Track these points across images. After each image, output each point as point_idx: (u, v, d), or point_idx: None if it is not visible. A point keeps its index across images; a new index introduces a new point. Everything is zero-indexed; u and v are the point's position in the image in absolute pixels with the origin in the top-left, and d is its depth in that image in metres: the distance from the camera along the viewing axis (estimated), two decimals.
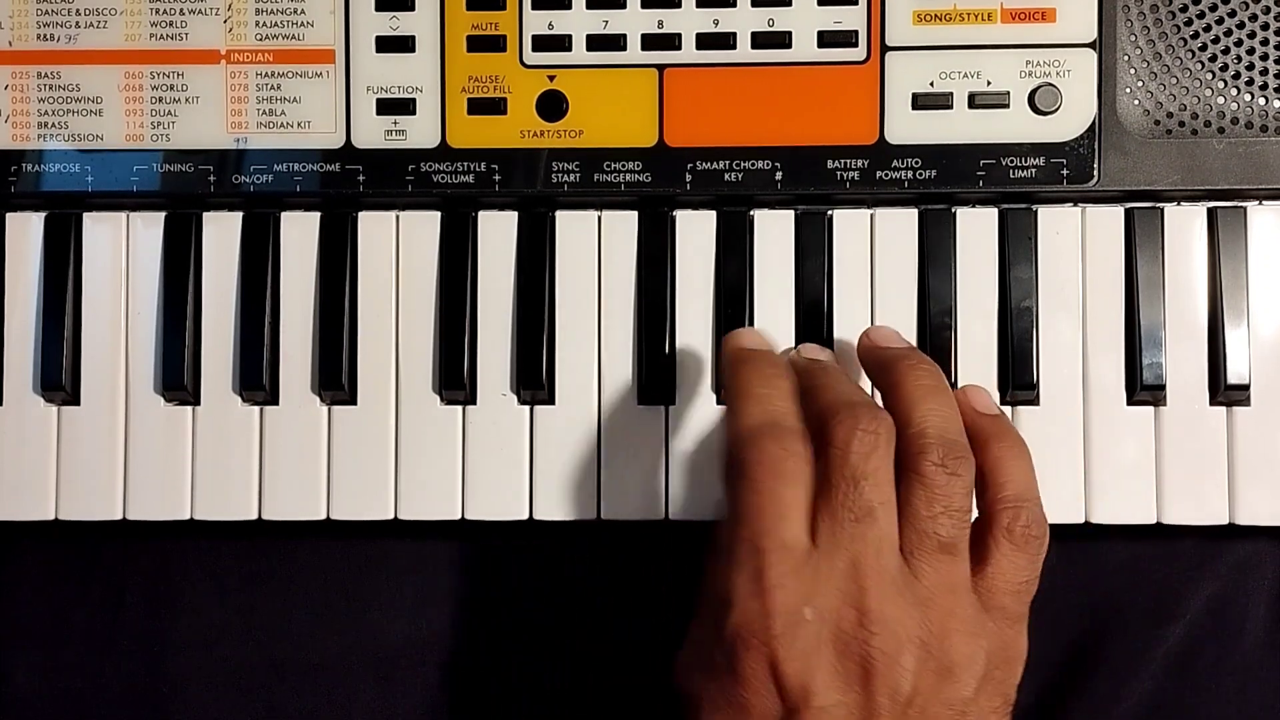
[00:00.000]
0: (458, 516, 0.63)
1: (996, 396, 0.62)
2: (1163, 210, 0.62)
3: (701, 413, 0.62)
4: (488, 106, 0.62)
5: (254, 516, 0.63)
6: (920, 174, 0.62)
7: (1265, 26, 0.61)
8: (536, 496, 0.62)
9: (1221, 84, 0.61)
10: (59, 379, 0.63)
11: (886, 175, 0.62)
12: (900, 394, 0.55)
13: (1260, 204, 0.62)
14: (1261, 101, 0.61)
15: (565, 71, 0.62)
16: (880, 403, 0.56)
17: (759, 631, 0.51)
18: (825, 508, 0.52)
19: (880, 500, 0.52)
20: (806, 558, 0.52)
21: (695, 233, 0.63)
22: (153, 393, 0.64)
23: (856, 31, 0.62)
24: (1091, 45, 0.62)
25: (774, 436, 0.53)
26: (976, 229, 0.62)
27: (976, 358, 0.62)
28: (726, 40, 0.62)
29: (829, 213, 0.63)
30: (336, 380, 0.63)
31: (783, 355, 0.60)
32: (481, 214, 0.63)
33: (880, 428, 0.53)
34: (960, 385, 0.61)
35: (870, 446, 0.53)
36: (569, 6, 0.62)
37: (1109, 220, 0.62)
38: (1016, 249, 0.62)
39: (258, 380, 0.63)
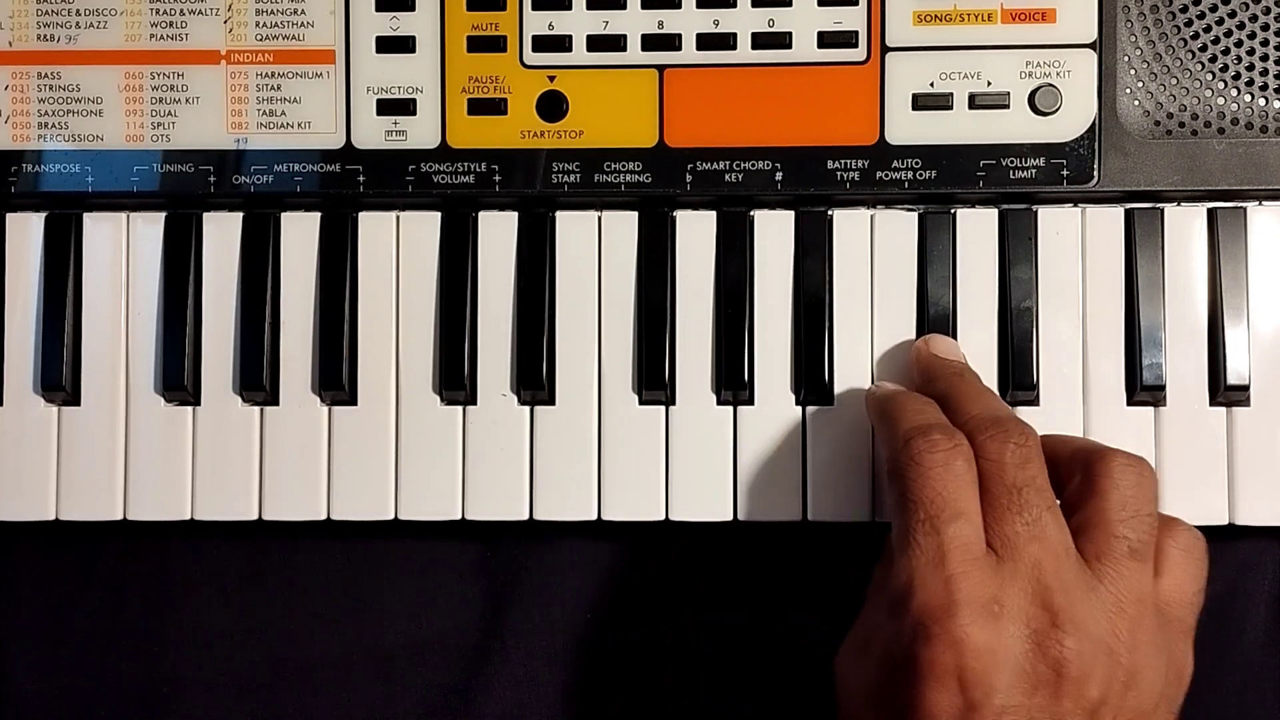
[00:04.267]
0: (458, 516, 0.63)
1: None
2: (1163, 211, 0.62)
3: (701, 413, 0.62)
4: (488, 107, 0.62)
5: (254, 517, 0.63)
6: (920, 174, 0.62)
7: (1265, 27, 0.61)
8: (536, 497, 0.62)
9: (1221, 84, 0.61)
10: (59, 379, 0.63)
11: (886, 176, 0.62)
12: (1057, 441, 0.56)
13: (1260, 204, 0.62)
14: (1261, 102, 0.61)
15: (565, 72, 0.62)
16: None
17: (943, 620, 0.50)
18: (993, 517, 0.52)
19: (1046, 505, 0.52)
20: (986, 556, 0.51)
21: (695, 233, 0.63)
22: (153, 393, 0.64)
23: (856, 32, 0.62)
24: (1091, 46, 0.62)
25: (941, 430, 0.54)
26: (976, 229, 0.62)
27: (977, 358, 0.62)
28: (726, 40, 0.62)
29: (829, 213, 0.63)
30: (337, 380, 0.63)
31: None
32: (481, 214, 0.63)
33: (1030, 440, 0.53)
34: None
35: (1024, 457, 0.53)
36: (569, 7, 0.62)
37: (1109, 220, 0.62)
38: (1016, 249, 0.62)
39: (258, 380, 0.63)
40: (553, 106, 0.62)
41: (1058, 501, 0.53)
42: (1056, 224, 0.62)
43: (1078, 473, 0.54)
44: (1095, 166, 0.61)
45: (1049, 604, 0.50)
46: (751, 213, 0.63)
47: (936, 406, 0.57)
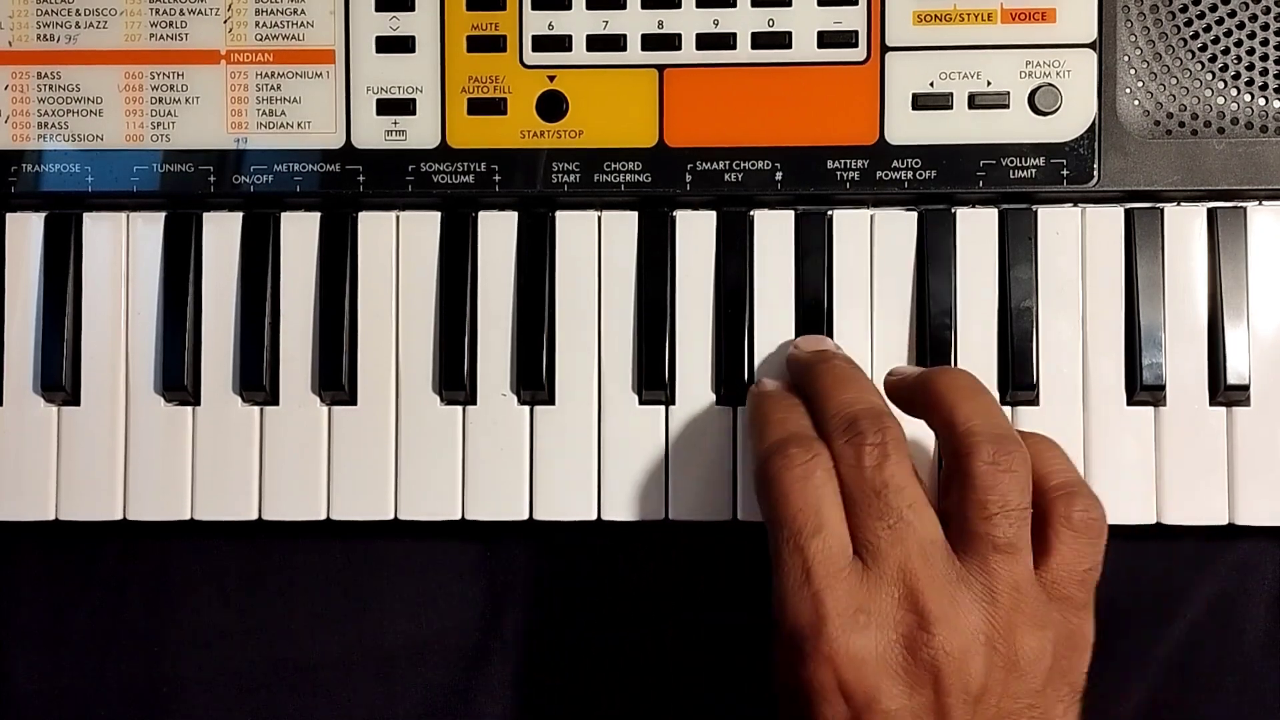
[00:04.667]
0: (458, 517, 0.63)
1: (996, 397, 0.62)
2: (1163, 210, 0.62)
3: (701, 413, 0.62)
4: (488, 106, 0.62)
5: (254, 517, 0.63)
6: (920, 174, 0.62)
7: (1265, 27, 0.61)
8: (536, 497, 0.62)
9: (1221, 84, 0.61)
10: (59, 379, 0.63)
11: (886, 175, 0.62)
12: (936, 398, 0.55)
13: (1260, 204, 0.62)
14: (1261, 101, 0.61)
15: (565, 71, 0.62)
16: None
17: (813, 638, 0.51)
18: (856, 522, 0.53)
19: (908, 503, 0.53)
20: (853, 565, 0.52)
21: (695, 233, 0.63)
22: (153, 393, 0.64)
23: (856, 32, 0.62)
24: (1091, 45, 0.62)
25: (798, 444, 0.54)
26: (976, 229, 0.62)
27: (976, 358, 0.62)
28: (726, 40, 0.62)
29: (829, 213, 0.63)
30: (336, 380, 0.63)
31: (786, 345, 0.61)
32: (481, 214, 0.63)
33: (887, 435, 0.53)
34: None
35: (879, 457, 0.53)
36: (569, 7, 0.62)
37: (1109, 220, 0.62)
38: (1016, 249, 0.62)
39: (258, 380, 0.63)
40: (553, 106, 0.62)
41: (922, 494, 0.53)
42: (1056, 224, 0.62)
43: (952, 456, 0.54)
44: (1095, 166, 0.61)
45: (916, 605, 0.51)
46: (751, 213, 0.63)
47: (800, 409, 0.57)
